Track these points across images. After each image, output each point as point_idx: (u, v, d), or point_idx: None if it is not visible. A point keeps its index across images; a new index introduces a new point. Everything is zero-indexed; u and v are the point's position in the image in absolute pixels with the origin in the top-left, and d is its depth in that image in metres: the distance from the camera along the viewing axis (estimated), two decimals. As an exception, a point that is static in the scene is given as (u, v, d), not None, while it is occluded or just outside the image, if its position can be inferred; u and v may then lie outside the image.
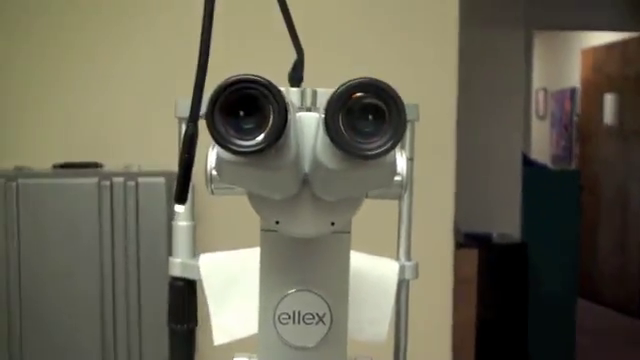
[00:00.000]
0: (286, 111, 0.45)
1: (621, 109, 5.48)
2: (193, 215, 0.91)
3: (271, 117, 0.45)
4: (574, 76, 6.22)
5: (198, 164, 0.56)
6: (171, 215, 0.92)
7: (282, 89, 0.47)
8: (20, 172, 1.85)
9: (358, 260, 0.84)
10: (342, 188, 0.52)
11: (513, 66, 4.06)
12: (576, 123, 6.27)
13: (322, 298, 0.63)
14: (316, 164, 0.51)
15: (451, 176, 2.16)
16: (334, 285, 0.64)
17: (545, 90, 6.74)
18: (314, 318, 0.63)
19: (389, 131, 0.46)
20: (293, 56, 0.75)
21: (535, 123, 6.22)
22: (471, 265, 3.31)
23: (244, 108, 0.45)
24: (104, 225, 1.80)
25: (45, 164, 1.92)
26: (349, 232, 0.63)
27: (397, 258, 0.92)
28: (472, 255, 3.35)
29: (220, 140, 0.45)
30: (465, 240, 3.47)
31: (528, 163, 4.25)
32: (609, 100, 5.59)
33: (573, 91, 6.32)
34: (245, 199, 0.57)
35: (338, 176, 0.49)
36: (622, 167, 5.47)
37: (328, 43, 2.03)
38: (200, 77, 0.52)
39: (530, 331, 3.78)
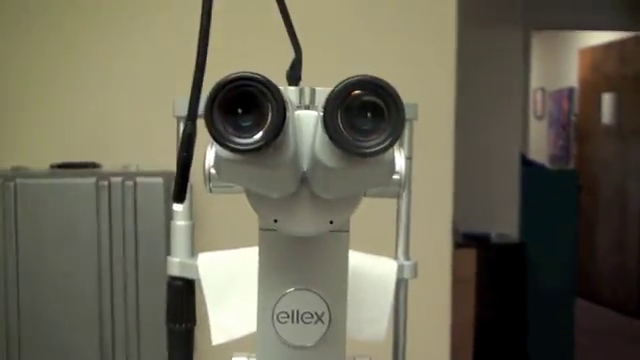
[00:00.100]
0: (284, 109, 0.45)
1: (619, 109, 5.49)
2: (191, 214, 0.91)
3: (269, 115, 0.45)
4: (572, 76, 6.23)
5: (196, 163, 0.55)
6: (169, 215, 0.92)
7: (281, 88, 0.47)
8: (18, 172, 1.84)
9: (357, 259, 0.84)
10: (341, 186, 0.52)
11: (511, 66, 4.06)
12: (574, 123, 6.27)
13: (321, 297, 0.63)
14: (315, 162, 0.50)
15: (449, 176, 2.16)
16: (333, 284, 0.64)
17: (543, 90, 6.75)
18: (313, 317, 0.63)
19: (388, 129, 0.45)
20: (291, 55, 0.75)
21: (533, 123, 6.23)
22: (469, 265, 3.31)
23: (242, 106, 0.45)
24: (102, 225, 1.80)
25: (43, 164, 1.92)
26: (348, 231, 0.63)
27: (396, 257, 0.92)
28: (470, 255, 3.35)
29: (218, 138, 0.45)
30: (463, 240, 3.47)
31: (526, 163, 4.25)
32: (607, 100, 5.60)
33: (571, 91, 6.32)
34: (244, 198, 0.57)
35: (337, 174, 0.49)
36: (620, 167, 5.47)
37: (327, 43, 2.03)
38: (198, 76, 0.51)
39: (529, 331, 3.78)
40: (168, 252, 0.92)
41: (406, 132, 0.89)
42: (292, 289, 0.63)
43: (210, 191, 0.59)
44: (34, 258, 1.79)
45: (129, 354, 1.81)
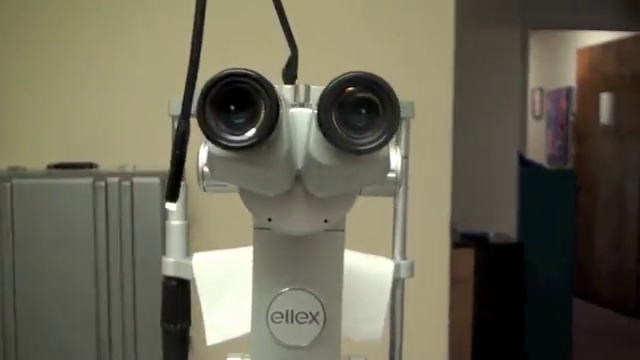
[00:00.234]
0: (278, 106, 0.44)
1: (617, 108, 5.49)
2: (186, 214, 0.90)
3: (263, 112, 0.44)
4: (570, 75, 6.22)
5: (191, 162, 0.55)
6: (166, 215, 0.92)
7: (276, 86, 0.46)
8: (14, 172, 1.84)
9: (353, 259, 0.83)
10: (335, 184, 0.51)
11: (509, 66, 4.06)
12: (572, 123, 6.27)
13: (315, 297, 0.62)
14: (309, 160, 0.50)
15: (447, 175, 2.16)
16: (328, 284, 0.63)
17: (541, 90, 6.74)
18: (307, 317, 0.62)
19: (383, 125, 0.45)
20: (288, 53, 0.74)
21: (531, 123, 6.23)
22: (467, 265, 3.31)
23: (235, 103, 0.45)
24: (99, 225, 1.79)
25: (39, 164, 1.91)
26: (343, 230, 0.63)
27: (392, 257, 0.91)
28: (469, 255, 3.35)
29: (211, 135, 0.44)
30: (461, 240, 3.47)
31: (524, 163, 4.25)
32: (605, 99, 5.60)
33: (569, 90, 6.32)
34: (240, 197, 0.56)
35: (331, 172, 0.48)
36: (618, 166, 5.47)
37: (325, 42, 2.02)
38: (192, 74, 0.51)
39: (527, 331, 3.78)
40: (164, 252, 0.91)
41: (402, 131, 0.88)
42: (287, 289, 0.62)
43: (204, 190, 0.59)
44: (31, 258, 1.79)
45: (126, 354, 1.81)
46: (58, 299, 1.80)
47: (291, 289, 0.62)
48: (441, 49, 2.12)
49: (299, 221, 0.56)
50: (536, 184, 4.11)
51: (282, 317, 0.62)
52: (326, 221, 0.56)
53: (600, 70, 5.67)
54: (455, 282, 2.31)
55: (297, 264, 0.63)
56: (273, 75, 0.58)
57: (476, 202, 3.84)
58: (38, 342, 1.79)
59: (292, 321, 0.62)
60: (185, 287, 0.89)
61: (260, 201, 0.55)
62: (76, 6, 2.03)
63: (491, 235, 3.82)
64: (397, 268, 0.90)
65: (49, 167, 1.90)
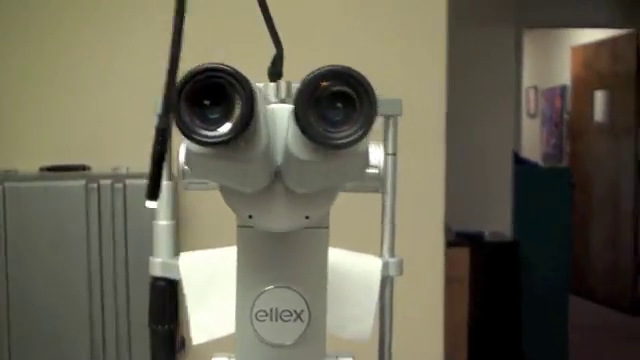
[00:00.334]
0: (253, 100, 0.43)
1: (611, 106, 5.49)
2: (174, 214, 0.89)
3: (238, 106, 0.44)
4: (564, 74, 6.23)
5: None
6: (154, 215, 0.91)
7: (261, 84, 0.45)
8: (7, 175, 1.84)
9: (340, 257, 0.83)
10: (314, 180, 0.51)
11: (503, 65, 4.06)
12: (566, 121, 6.27)
13: (300, 295, 0.62)
14: (288, 156, 0.49)
15: (441, 174, 2.16)
16: (312, 281, 0.63)
17: (536, 88, 6.75)
18: (292, 315, 0.62)
19: (360, 119, 0.44)
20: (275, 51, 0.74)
21: (526, 122, 6.23)
22: (463, 264, 3.31)
23: (211, 98, 0.44)
24: (92, 227, 1.80)
25: (32, 167, 1.91)
26: (327, 227, 0.62)
27: (381, 255, 0.91)
28: (464, 254, 3.35)
29: (185, 131, 0.43)
30: (457, 239, 3.46)
31: (519, 161, 4.24)
32: (599, 97, 5.60)
33: (563, 89, 6.32)
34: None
35: (310, 167, 0.48)
36: (613, 164, 5.48)
37: (317, 41, 2.02)
38: (172, 70, 0.50)
39: (523, 329, 3.77)
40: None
41: (390, 128, 0.88)
42: (271, 287, 0.62)
43: (185, 188, 0.58)
44: (24, 261, 1.79)
45: (120, 354, 1.80)
46: (52, 301, 1.80)
47: (275, 287, 0.62)
48: (434, 48, 2.12)
49: (280, 218, 0.55)
50: (531, 182, 4.11)
51: (266, 315, 0.62)
52: (307, 217, 0.56)
53: (594, 68, 5.67)
54: (450, 281, 2.31)
55: (281, 262, 0.62)
56: (259, 73, 0.58)
57: (471, 201, 3.83)
58: (33, 343, 1.79)
59: (276, 319, 0.62)
60: (173, 287, 0.89)
61: (241, 198, 0.54)
62: (75, 7, 2.03)
63: (486, 234, 3.82)
64: (386, 266, 0.89)
65: (42, 169, 1.90)
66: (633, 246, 5.29)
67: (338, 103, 0.45)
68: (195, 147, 0.46)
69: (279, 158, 0.52)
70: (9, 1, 2.02)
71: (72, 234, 1.80)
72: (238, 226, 0.61)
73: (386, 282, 0.90)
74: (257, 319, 0.62)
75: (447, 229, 2.30)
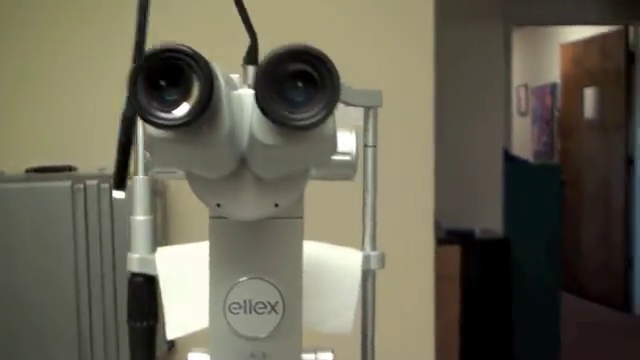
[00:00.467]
0: (212, 81, 0.42)
1: (601, 103, 5.50)
2: (151, 209, 0.88)
3: (196, 88, 0.42)
4: (554, 71, 6.24)
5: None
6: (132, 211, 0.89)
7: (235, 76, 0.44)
8: (-9, 176, 1.83)
9: (320, 250, 0.82)
10: (280, 165, 0.50)
11: (493, 63, 4.06)
12: (557, 118, 6.28)
13: (274, 286, 0.60)
14: (252, 140, 0.48)
15: (430, 171, 2.15)
16: (287, 273, 0.61)
17: (526, 86, 6.75)
18: (266, 307, 0.60)
19: (322, 100, 0.43)
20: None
21: (516, 120, 6.23)
22: (453, 261, 3.30)
23: (169, 79, 0.43)
24: (78, 227, 1.79)
25: (18, 168, 1.90)
26: (301, 217, 0.61)
27: (362, 248, 0.90)
28: (454, 251, 3.34)
29: (142, 112, 0.42)
30: (447, 236, 3.46)
31: (509, 159, 4.24)
32: (589, 94, 5.61)
33: (553, 86, 6.33)
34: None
35: (274, 152, 0.47)
36: (603, 161, 5.49)
37: (301, 37, 2.00)
38: (139, 56, 0.49)
39: (515, 326, 3.77)
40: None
41: (370, 119, 0.86)
42: (244, 278, 0.60)
43: (153, 177, 0.57)
44: (10, 262, 1.78)
45: (107, 353, 1.80)
46: (39, 301, 1.79)
47: (249, 278, 0.60)
48: (421, 46, 2.11)
49: (248, 205, 0.54)
50: (521, 179, 4.11)
51: (240, 307, 0.60)
52: (277, 205, 0.54)
53: (584, 65, 5.68)
54: (441, 279, 2.30)
55: (254, 253, 0.61)
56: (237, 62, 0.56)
57: (462, 198, 3.83)
58: (19, 345, 1.78)
59: (250, 311, 0.60)
60: (152, 284, 0.87)
61: (208, 186, 0.53)
62: (74, 7, 2.02)
63: (477, 231, 3.82)
64: (367, 259, 0.88)
65: (27, 171, 1.89)
66: (624, 243, 5.30)
67: (299, 83, 0.44)
68: (155, 131, 0.44)
69: (245, 144, 0.51)
70: (5, 1, 2.01)
71: (59, 235, 1.79)
72: (210, 217, 0.60)
73: (368, 275, 0.89)
74: (231, 312, 0.60)
75: (437, 227, 2.29)
